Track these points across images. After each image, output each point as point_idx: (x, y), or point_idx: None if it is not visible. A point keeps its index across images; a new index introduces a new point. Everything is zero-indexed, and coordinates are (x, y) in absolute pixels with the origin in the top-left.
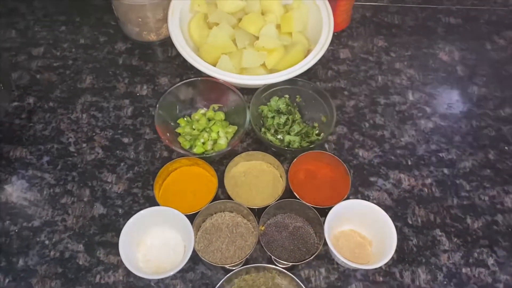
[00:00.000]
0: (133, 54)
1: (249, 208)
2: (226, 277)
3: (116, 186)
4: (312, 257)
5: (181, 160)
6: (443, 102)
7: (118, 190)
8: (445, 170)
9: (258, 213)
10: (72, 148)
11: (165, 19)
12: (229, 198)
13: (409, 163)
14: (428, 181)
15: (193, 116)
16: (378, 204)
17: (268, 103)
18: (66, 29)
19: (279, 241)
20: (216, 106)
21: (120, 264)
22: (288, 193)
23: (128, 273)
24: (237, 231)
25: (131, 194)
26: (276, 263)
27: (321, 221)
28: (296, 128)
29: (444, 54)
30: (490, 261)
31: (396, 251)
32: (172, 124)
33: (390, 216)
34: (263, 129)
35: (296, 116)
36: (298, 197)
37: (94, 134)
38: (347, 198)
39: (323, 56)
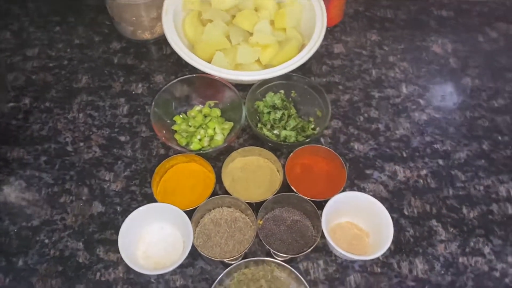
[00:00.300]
0: (128, 53)
1: (247, 203)
2: (225, 271)
3: (114, 184)
4: (310, 249)
5: (178, 157)
6: (436, 94)
7: (116, 188)
8: (440, 161)
9: (256, 207)
10: (69, 148)
11: (159, 18)
12: (227, 193)
13: (404, 155)
14: (423, 172)
15: (189, 113)
16: (374, 196)
17: (263, 99)
18: (60, 29)
19: (277, 235)
20: (212, 102)
21: (120, 261)
22: (285, 187)
23: (128, 269)
24: (236, 226)
25: (129, 191)
26: (275, 256)
27: (319, 214)
28: (292, 123)
29: (437, 46)
30: (486, 250)
31: (393, 242)
32: (168, 121)
33: (387, 208)
34: (259, 125)
35: (291, 111)
36: (295, 190)
37: (91, 133)
38: (343, 191)
39: (317, 51)
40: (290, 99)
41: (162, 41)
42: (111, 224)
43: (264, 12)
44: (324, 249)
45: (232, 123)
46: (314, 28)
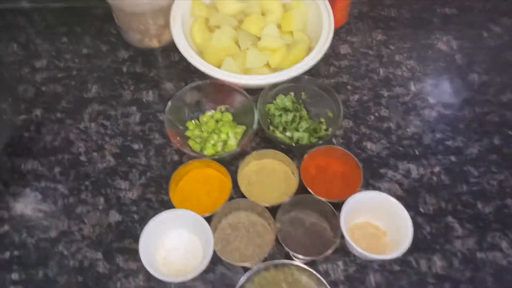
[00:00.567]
0: (136, 61)
1: (263, 206)
2: (246, 275)
3: (130, 193)
4: (330, 251)
5: (193, 162)
6: (445, 91)
7: (132, 196)
8: (453, 158)
9: (272, 210)
10: (83, 158)
11: (166, 25)
12: (243, 197)
13: (417, 153)
14: (437, 169)
15: (201, 119)
16: (389, 195)
17: (274, 101)
18: (67, 40)
19: (295, 237)
20: (223, 107)
21: (140, 270)
22: (301, 189)
23: (149, 278)
24: (254, 230)
25: (145, 199)
26: (294, 259)
27: (337, 214)
28: (304, 124)
29: (442, 44)
30: (504, 244)
31: None
32: (181, 127)
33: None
34: (271, 128)
35: (302, 112)
36: (312, 192)
37: (104, 142)
38: (359, 191)
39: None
40: (301, 100)
41: (170, 48)
42: (129, 233)
43: (271, 16)
44: (342, 250)
45: (244, 127)
46: (321, 30)
